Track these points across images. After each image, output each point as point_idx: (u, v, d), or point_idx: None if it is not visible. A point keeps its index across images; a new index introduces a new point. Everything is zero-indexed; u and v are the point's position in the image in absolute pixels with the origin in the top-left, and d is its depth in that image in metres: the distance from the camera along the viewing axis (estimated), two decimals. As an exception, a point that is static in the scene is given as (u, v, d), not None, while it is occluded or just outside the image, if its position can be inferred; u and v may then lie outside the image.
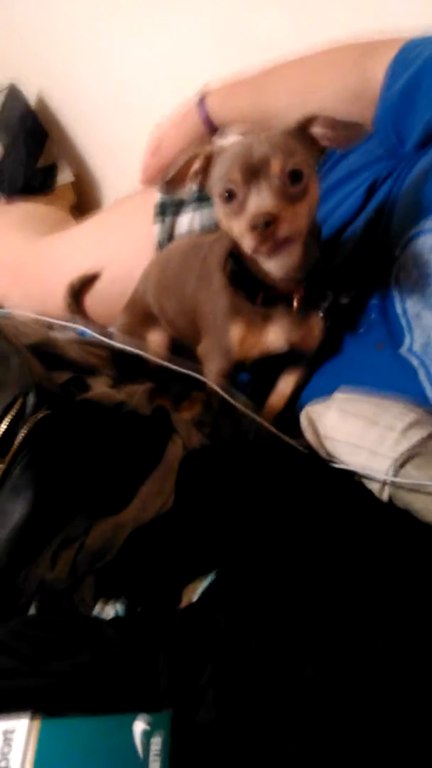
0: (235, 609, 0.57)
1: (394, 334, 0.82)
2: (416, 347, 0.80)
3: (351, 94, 0.92)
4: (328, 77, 0.94)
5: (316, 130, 0.72)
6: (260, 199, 0.67)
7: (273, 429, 0.81)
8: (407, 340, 0.80)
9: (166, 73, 1.57)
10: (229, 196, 0.69)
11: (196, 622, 0.56)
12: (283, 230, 0.67)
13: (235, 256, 0.79)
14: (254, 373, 0.99)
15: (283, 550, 0.65)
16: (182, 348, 0.95)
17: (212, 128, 1.07)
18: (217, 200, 0.72)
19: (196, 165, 0.74)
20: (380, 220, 0.85)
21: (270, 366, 0.91)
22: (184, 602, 0.63)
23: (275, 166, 0.67)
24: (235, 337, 0.82)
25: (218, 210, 0.73)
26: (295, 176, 0.68)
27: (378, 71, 0.88)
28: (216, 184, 0.71)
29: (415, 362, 0.80)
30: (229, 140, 0.97)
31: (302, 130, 0.72)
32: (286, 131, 0.71)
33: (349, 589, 0.60)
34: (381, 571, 0.63)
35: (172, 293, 0.92)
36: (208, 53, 1.46)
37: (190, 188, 0.77)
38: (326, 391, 0.86)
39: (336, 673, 0.51)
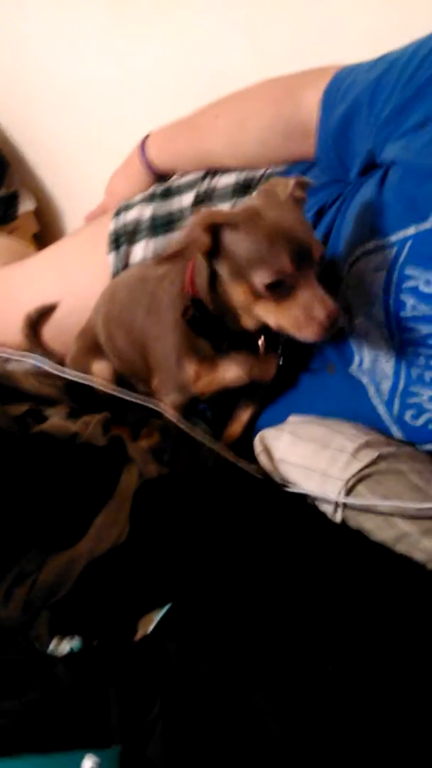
0: (187, 639, 0.57)
1: (344, 353, 0.83)
2: (366, 364, 0.81)
3: (285, 126, 0.94)
4: (261, 111, 0.96)
5: (299, 193, 0.74)
6: (318, 292, 0.68)
7: (229, 455, 0.82)
8: (356, 359, 0.82)
9: (130, 101, 1.59)
10: (278, 284, 0.68)
11: (149, 655, 0.57)
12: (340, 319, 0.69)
13: (198, 305, 0.78)
14: (211, 403, 1.00)
15: (236, 578, 0.66)
16: (126, 379, 0.96)
17: (155, 173, 1.09)
18: (238, 281, 0.70)
19: (200, 236, 0.69)
20: (326, 244, 0.87)
21: (227, 396, 0.92)
22: (140, 634, 0.63)
23: (317, 252, 0.69)
24: (191, 375, 0.83)
25: (236, 288, 0.71)
26: None
27: (311, 100, 0.90)
28: (251, 264, 0.68)
29: (364, 380, 0.82)
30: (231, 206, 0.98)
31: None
32: (294, 199, 0.71)
33: (300, 615, 0.60)
34: (332, 595, 0.64)
35: (120, 325, 0.92)
36: (175, 80, 1.48)
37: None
38: (281, 417, 0.87)
39: (284, 700, 0.51)
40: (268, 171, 1.01)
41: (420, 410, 0.76)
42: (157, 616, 0.64)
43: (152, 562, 0.69)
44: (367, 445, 0.75)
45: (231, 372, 0.83)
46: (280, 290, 0.68)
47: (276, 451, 0.78)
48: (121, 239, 1.06)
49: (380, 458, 0.74)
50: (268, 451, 0.79)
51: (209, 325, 0.79)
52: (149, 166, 1.09)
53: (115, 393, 0.86)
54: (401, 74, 0.79)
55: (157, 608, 0.66)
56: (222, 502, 0.76)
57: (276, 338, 0.81)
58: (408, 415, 0.78)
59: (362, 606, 0.63)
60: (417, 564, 0.69)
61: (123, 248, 1.06)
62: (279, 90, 0.96)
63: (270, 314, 0.71)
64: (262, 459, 0.78)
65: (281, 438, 0.78)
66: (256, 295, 0.70)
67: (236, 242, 0.69)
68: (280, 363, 0.85)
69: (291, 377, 0.90)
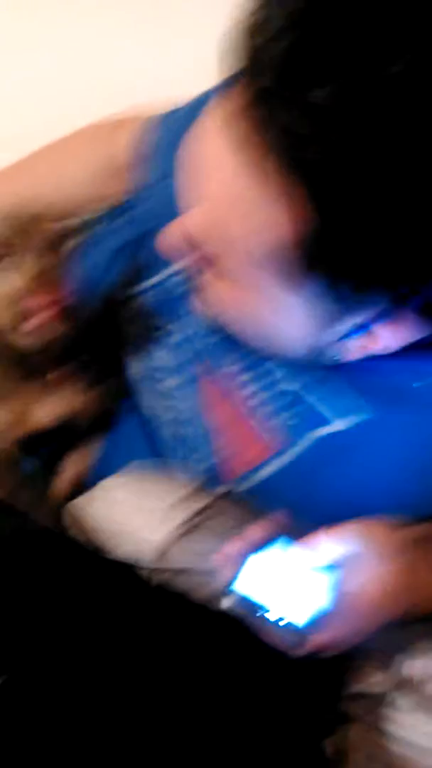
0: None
1: (135, 396, 0.83)
2: (145, 410, 0.81)
3: (106, 170, 0.93)
4: (79, 156, 0.95)
5: None
6: None
7: (47, 523, 0.79)
8: (142, 402, 0.82)
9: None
10: None
11: None
12: None
13: None
14: (48, 448, 0.96)
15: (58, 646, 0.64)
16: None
17: None
18: None
19: None
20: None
21: (52, 450, 0.88)
22: None
23: None
24: (6, 419, 0.79)
25: None
26: None
27: (126, 140, 0.89)
28: None
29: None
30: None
31: None
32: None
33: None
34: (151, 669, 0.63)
35: None
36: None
37: None
38: (116, 464, 0.85)
39: None
40: None
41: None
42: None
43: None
44: (180, 502, 0.74)
45: (42, 411, 0.80)
46: None
47: (89, 519, 0.75)
48: None
49: (196, 515, 0.73)
50: (79, 521, 0.76)
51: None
52: None
53: None
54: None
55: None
56: (45, 570, 0.73)
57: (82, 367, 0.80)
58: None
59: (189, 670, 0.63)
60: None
61: None
62: (100, 135, 0.95)
63: None
64: (74, 530, 0.75)
65: (93, 505, 0.76)
66: None
67: None
68: (90, 390, 0.83)
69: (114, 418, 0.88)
